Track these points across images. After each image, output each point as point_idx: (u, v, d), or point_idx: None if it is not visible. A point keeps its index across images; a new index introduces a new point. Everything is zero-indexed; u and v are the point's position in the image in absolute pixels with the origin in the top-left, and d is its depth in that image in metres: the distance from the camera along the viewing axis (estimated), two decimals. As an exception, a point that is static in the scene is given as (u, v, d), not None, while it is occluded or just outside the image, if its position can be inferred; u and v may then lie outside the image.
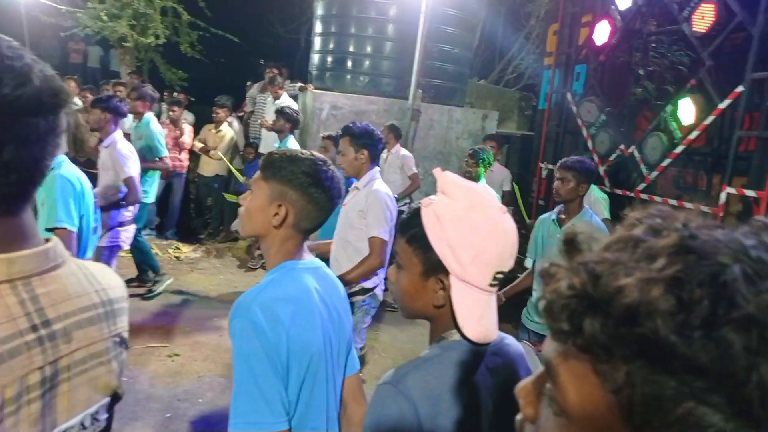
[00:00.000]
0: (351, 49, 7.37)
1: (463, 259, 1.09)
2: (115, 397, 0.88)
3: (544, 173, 6.96)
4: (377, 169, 3.23)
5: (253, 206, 1.47)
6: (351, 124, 3.17)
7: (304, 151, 1.50)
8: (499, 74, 11.94)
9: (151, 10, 9.10)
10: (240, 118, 8.06)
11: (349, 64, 7.39)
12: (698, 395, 0.40)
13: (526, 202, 7.11)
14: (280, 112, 5.53)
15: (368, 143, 3.13)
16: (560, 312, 0.47)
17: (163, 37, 9.28)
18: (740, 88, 4.38)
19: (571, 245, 0.52)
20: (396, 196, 5.79)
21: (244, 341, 1.30)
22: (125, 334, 0.91)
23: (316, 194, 1.44)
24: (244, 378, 1.30)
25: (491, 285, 1.13)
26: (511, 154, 9.10)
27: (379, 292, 3.34)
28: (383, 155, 6.12)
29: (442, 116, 7.47)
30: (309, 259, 1.53)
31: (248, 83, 8.81)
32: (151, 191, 5.12)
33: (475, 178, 4.46)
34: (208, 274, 5.89)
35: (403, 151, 6.08)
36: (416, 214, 1.15)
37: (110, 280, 0.89)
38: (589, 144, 6.10)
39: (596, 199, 4.37)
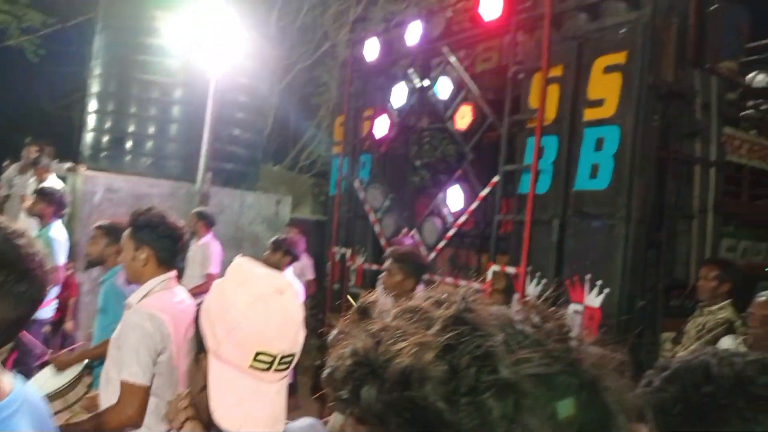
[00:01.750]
0: (131, 129, 6.93)
1: (218, 333, 1.04)
2: None
3: (337, 257, 7.10)
4: (167, 276, 2.32)
5: None
6: (139, 211, 2.35)
7: None
8: (293, 160, 12.26)
9: None
10: (-7, 202, 6.93)
11: (129, 144, 6.91)
12: None
13: (321, 286, 7.15)
14: (40, 193, 4.85)
15: (153, 239, 2.27)
16: (341, 379, 0.48)
17: None
18: (496, 178, 5.02)
19: (363, 314, 0.56)
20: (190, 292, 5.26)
21: None
22: None
23: (26, 292, 0.95)
24: None
25: (259, 368, 1.04)
26: (307, 239, 9.20)
27: None
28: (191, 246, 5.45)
29: (233, 201, 7.30)
30: (9, 382, 1.04)
31: (5, 162, 7.71)
32: None
33: (280, 268, 4.33)
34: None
35: (213, 246, 5.38)
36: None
37: None
38: (377, 228, 6.41)
39: None
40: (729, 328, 3.33)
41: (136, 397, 2.04)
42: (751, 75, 7.72)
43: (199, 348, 1.09)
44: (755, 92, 7.05)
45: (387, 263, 3.26)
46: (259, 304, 1.05)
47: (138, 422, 2.05)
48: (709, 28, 5.45)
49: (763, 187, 6.59)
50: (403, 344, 0.46)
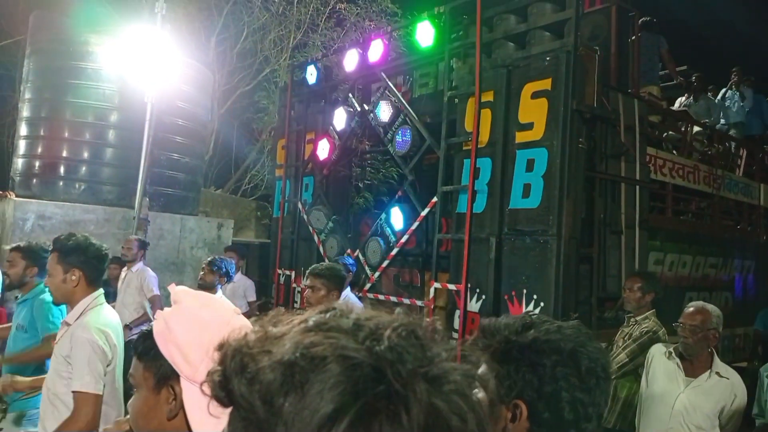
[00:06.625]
0: (65, 154, 6.71)
1: (193, 358, 1.04)
2: None
3: (282, 279, 7.05)
4: (98, 293, 2.50)
5: None
6: (62, 236, 2.51)
7: None
8: (236, 184, 12.12)
9: None
10: None
11: (62, 170, 6.69)
12: None
13: (265, 307, 7.06)
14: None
15: (83, 261, 2.44)
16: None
17: None
18: (435, 199, 5.15)
19: None
20: (130, 324, 5.03)
21: None
22: None
23: None
24: None
25: None
26: (251, 262, 9.11)
27: None
28: (122, 273, 5.50)
29: (174, 225, 7.15)
30: None
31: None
32: None
33: (214, 288, 4.36)
34: None
35: (148, 271, 5.45)
36: (149, 330, 1.12)
37: None
38: (321, 249, 6.42)
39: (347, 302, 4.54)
40: (653, 337, 3.51)
41: (91, 404, 2.22)
42: (681, 99, 8.26)
43: (159, 380, 1.09)
44: (675, 115, 7.55)
45: (309, 280, 3.32)
46: (229, 325, 1.09)
47: (95, 428, 2.22)
48: (630, 56, 5.84)
49: (686, 203, 7.03)
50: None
